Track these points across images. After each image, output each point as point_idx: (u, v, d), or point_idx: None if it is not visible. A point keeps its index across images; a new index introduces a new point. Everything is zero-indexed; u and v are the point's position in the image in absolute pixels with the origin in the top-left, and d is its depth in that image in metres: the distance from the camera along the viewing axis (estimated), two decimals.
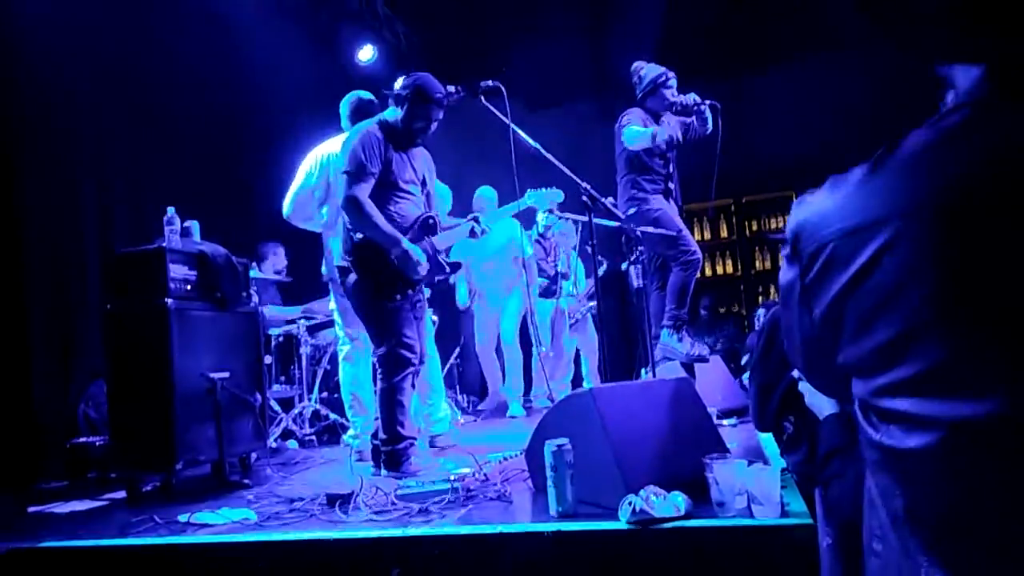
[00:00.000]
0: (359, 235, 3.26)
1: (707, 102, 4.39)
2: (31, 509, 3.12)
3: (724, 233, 8.29)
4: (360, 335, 3.92)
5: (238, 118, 5.79)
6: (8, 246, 4.14)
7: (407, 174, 3.40)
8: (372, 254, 3.24)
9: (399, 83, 3.37)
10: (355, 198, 3.20)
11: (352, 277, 3.32)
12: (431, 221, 3.46)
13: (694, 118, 4.54)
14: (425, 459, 3.41)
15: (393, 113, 3.40)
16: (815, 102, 6.55)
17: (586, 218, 3.18)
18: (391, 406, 3.26)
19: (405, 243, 3.24)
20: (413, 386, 3.41)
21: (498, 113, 3.19)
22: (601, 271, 5.70)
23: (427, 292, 3.77)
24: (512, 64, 6.27)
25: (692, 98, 4.42)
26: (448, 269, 3.51)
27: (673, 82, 4.49)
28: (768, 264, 8.08)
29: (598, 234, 3.24)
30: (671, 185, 4.52)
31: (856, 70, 6.24)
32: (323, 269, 4.27)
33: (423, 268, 3.29)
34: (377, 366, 3.36)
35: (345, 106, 4.10)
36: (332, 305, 4.19)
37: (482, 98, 3.23)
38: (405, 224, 3.35)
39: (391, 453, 3.24)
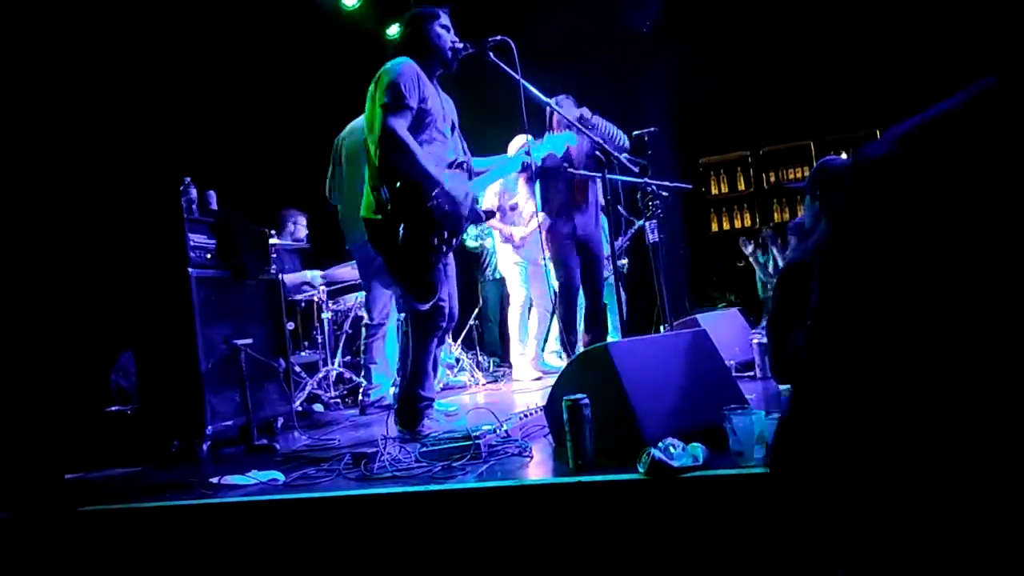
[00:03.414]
0: (398, 183, 3.02)
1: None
2: (68, 476, 3.22)
3: (741, 186, 8.19)
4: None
5: (257, 87, 5.79)
6: (31, 224, 4.21)
7: (441, 114, 3.21)
8: (411, 202, 3.02)
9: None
10: (394, 131, 2.97)
11: (384, 229, 3.08)
12: (465, 166, 3.29)
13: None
14: (440, 420, 3.43)
15: (410, 56, 3.22)
16: (832, 50, 6.41)
17: (600, 174, 3.16)
18: (416, 365, 3.21)
19: (446, 180, 3.06)
20: (440, 344, 3.35)
21: (507, 69, 3.14)
22: (632, 230, 5.70)
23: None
24: (523, 18, 6.18)
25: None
26: (484, 216, 3.39)
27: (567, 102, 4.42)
28: (787, 215, 7.98)
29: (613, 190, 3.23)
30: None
31: (874, 17, 6.09)
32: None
33: (464, 209, 3.13)
34: (406, 323, 3.25)
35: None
36: None
37: (491, 54, 3.18)
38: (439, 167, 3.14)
39: (409, 411, 3.22)
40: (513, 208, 5.55)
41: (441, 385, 4.79)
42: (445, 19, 3.25)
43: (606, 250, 5.41)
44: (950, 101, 0.81)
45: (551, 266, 4.84)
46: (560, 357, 5.82)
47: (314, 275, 5.28)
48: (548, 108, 4.14)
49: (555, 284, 4.84)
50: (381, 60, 3.28)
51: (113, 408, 4.04)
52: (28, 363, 4.06)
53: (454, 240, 3.15)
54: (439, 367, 3.59)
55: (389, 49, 3.46)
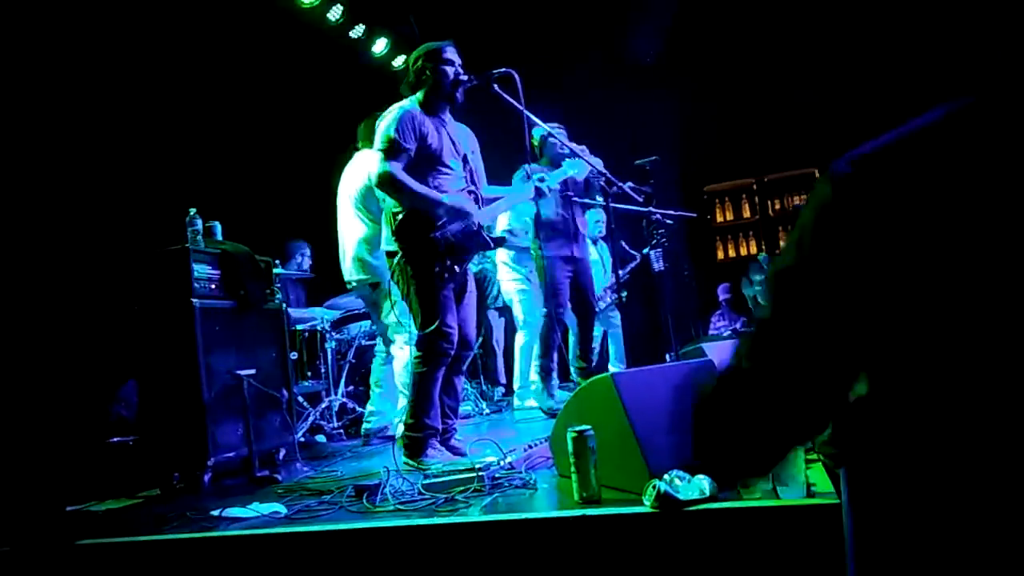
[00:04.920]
0: (400, 213, 3.19)
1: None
2: (69, 508, 3.19)
3: (747, 213, 8.19)
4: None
5: (263, 116, 5.84)
6: (35, 249, 4.22)
7: (446, 148, 3.30)
8: (416, 231, 3.16)
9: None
10: (388, 173, 3.13)
11: (397, 258, 3.24)
12: (473, 195, 3.35)
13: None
14: (443, 452, 3.40)
15: (420, 95, 3.34)
16: (836, 78, 6.44)
17: (604, 203, 3.17)
18: (421, 393, 3.23)
19: (446, 199, 3.17)
20: (462, 373, 3.46)
21: (511, 100, 3.17)
22: (632, 265, 5.69)
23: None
24: (529, 48, 6.24)
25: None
26: (493, 244, 3.40)
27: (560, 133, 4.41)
28: None
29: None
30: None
31: (877, 44, 6.12)
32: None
33: (474, 220, 3.21)
34: (414, 350, 3.30)
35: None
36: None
37: (495, 86, 3.21)
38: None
39: (412, 440, 3.22)
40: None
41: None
42: (450, 53, 3.32)
43: (598, 280, 5.41)
44: (921, 120, 0.80)
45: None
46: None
47: (325, 315, 5.25)
48: (539, 137, 4.19)
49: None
50: (386, 89, 3.33)
51: (114, 439, 4.02)
52: (29, 393, 4.05)
53: (457, 267, 3.22)
54: (459, 398, 3.57)
55: (400, 78, 3.50)
